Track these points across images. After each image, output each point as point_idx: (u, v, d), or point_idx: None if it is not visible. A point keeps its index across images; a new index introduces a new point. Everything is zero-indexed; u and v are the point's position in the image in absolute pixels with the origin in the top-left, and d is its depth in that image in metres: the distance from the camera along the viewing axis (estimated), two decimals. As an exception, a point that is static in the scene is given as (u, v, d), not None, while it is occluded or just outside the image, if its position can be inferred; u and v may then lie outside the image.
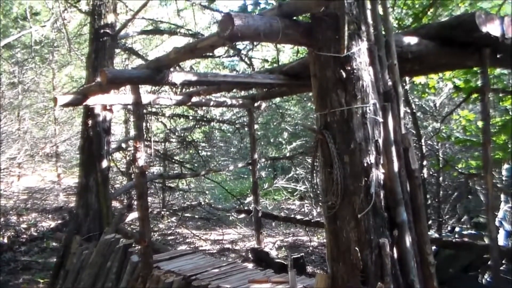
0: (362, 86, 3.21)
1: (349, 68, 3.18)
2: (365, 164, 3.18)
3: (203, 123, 12.55)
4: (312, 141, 14.41)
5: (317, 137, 3.29)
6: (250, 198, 13.80)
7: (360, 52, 3.23)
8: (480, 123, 10.18)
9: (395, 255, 3.31)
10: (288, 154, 14.27)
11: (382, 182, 3.29)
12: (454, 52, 4.51)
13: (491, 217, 4.65)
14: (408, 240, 3.34)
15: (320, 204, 3.34)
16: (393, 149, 3.38)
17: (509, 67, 5.38)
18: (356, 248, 3.14)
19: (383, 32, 3.75)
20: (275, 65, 11.10)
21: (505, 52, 4.80)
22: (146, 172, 5.46)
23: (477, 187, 9.42)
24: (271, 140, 16.24)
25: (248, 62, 11.15)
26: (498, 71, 8.51)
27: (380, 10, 3.78)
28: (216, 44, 3.87)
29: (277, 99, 13.54)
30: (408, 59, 4.02)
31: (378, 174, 3.24)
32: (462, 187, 9.98)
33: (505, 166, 8.95)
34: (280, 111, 14.38)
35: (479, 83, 7.93)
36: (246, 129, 13.39)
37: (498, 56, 4.77)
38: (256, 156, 9.00)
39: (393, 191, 3.35)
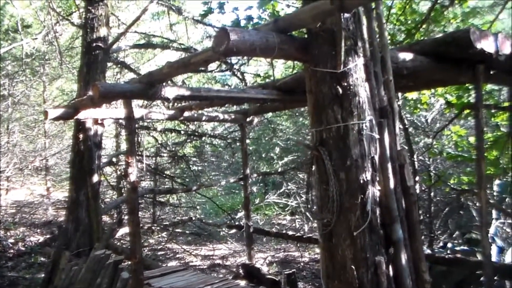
0: (358, 102, 3.19)
1: (345, 84, 3.15)
2: (362, 181, 3.14)
3: (194, 138, 12.50)
4: (304, 157, 14.40)
5: (312, 153, 3.25)
6: (241, 213, 13.73)
7: (357, 68, 3.21)
8: (472, 139, 10.26)
9: (391, 273, 3.27)
10: (279, 169, 14.21)
11: (378, 199, 3.25)
12: (448, 68, 4.51)
13: (485, 233, 4.63)
14: (404, 257, 3.30)
15: (315, 221, 3.28)
16: (389, 165, 3.36)
17: (502, 84, 5.39)
18: (352, 266, 3.09)
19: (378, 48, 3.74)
20: (267, 80, 11.12)
21: (498, 68, 4.82)
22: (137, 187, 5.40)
23: (469, 203, 9.41)
24: (263, 155, 16.21)
25: (241, 77, 11.14)
26: (489, 87, 8.57)
27: (375, 25, 3.78)
28: (210, 59, 3.84)
29: (269, 114, 13.52)
30: (403, 75, 4.01)
31: (374, 191, 3.21)
32: (453, 203, 9.97)
33: (497, 182, 8.97)
34: (272, 126, 14.36)
35: (471, 99, 7.99)
36: (237, 144, 13.37)
37: (491, 72, 4.78)
38: (248, 171, 8.95)
39: (389, 208, 3.32)
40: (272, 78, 11.75)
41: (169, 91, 4.92)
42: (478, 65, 4.56)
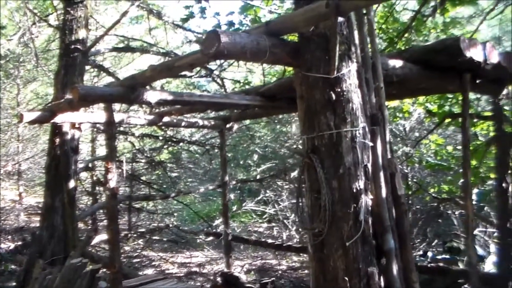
0: (351, 109, 3.11)
1: (338, 90, 3.07)
2: (354, 190, 3.06)
3: (172, 144, 12.33)
4: (282, 164, 14.32)
5: (303, 161, 3.15)
6: (218, 221, 13.56)
7: (350, 73, 3.13)
8: (450, 148, 10.32)
9: (382, 283, 3.19)
10: (258, 177, 14.11)
11: (370, 208, 3.18)
12: (436, 77, 4.49)
13: (471, 243, 4.60)
14: (395, 268, 3.23)
15: (305, 231, 3.18)
16: (381, 174, 3.28)
17: (487, 93, 5.39)
18: (345, 277, 3.00)
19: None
20: (247, 86, 11.03)
21: (484, 77, 4.81)
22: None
23: (448, 212, 9.44)
24: (241, 162, 16.08)
25: (220, 83, 11.04)
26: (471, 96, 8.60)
27: (366, 31, 3.72)
28: (197, 62, 3.73)
29: (247, 121, 13.44)
30: (393, 82, 3.96)
31: (367, 200, 3.13)
32: (431, 211, 9.99)
33: (475, 190, 9.01)
34: (250, 133, 14.26)
35: (453, 108, 8.02)
36: (215, 150, 13.21)
37: (477, 81, 4.77)
38: (227, 178, 8.84)
39: (381, 218, 3.24)
40: (251, 84, 11.73)
41: (151, 95, 4.80)
42: (465, 74, 4.55)
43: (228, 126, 8.54)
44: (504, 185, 5.36)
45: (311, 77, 3.12)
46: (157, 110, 7.56)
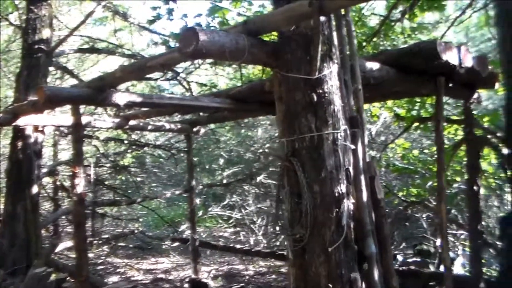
0: (333, 111, 3.03)
1: (320, 91, 2.98)
2: (336, 194, 2.97)
3: (137, 148, 12.08)
4: (248, 169, 14.17)
5: (283, 164, 3.05)
6: (184, 226, 13.34)
7: (332, 74, 3.05)
8: (415, 152, 10.41)
9: (363, 290, 3.12)
10: (224, 181, 13.96)
11: (351, 212, 3.10)
12: (411, 80, 4.48)
13: (446, 245, 4.60)
14: (376, 273, 3.17)
15: (286, 236, 3.08)
16: (362, 177, 3.22)
17: (459, 97, 5.42)
18: (330, 284, 2.90)
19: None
20: (213, 89, 10.91)
21: (457, 81, 4.83)
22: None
23: (416, 215, 9.50)
24: (206, 167, 15.90)
25: (187, 86, 10.88)
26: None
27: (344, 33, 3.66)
28: (172, 61, 3.60)
29: (212, 125, 13.30)
30: (369, 85, 3.91)
31: (349, 204, 3.05)
32: (398, 214, 10.04)
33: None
34: (216, 137, 14.13)
35: (421, 112, 8.08)
36: (181, 154, 13.01)
37: (450, 85, 4.78)
38: (193, 182, 8.71)
39: (362, 222, 3.18)
40: (217, 87, 11.60)
41: (120, 97, 4.63)
42: (439, 78, 4.55)
43: (195, 129, 8.42)
44: (475, 188, 5.40)
45: (291, 78, 3.02)
46: (121, 113, 7.39)
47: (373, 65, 3.96)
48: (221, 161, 15.37)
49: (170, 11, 8.12)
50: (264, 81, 5.29)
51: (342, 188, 3.00)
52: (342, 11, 3.64)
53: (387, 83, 4.25)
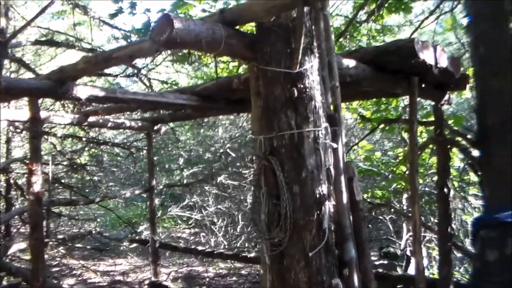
0: (314, 107, 2.85)
1: (301, 86, 2.80)
2: (318, 195, 2.80)
3: (95, 145, 11.68)
4: (207, 169, 13.91)
5: (260, 163, 2.86)
6: (142, 227, 13.01)
7: (313, 69, 2.88)
8: (378, 154, 10.41)
9: (343, 295, 2.96)
10: (185, 181, 13.69)
11: (332, 215, 2.94)
12: (386, 79, 4.37)
13: (419, 248, 4.52)
14: (356, 278, 3.02)
15: (262, 240, 2.89)
16: (342, 178, 3.06)
17: (430, 98, 5.36)
18: (310, 291, 2.73)
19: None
20: (174, 87, 10.65)
21: (430, 82, 4.76)
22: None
23: (380, 217, 9.50)
24: (166, 166, 15.59)
25: (148, 84, 10.58)
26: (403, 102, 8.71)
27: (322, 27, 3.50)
28: (141, 52, 3.35)
29: (170, 124, 13.03)
30: (345, 83, 3.77)
31: (330, 206, 2.89)
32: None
33: (406, 196, 9.12)
34: (176, 136, 13.86)
35: (386, 113, 8.04)
36: (140, 153, 12.68)
37: (423, 86, 4.70)
38: (154, 182, 8.46)
39: (342, 225, 3.02)
40: (178, 85, 11.33)
41: (82, 91, 4.37)
42: (413, 77, 4.47)
43: (156, 128, 8.19)
44: (445, 190, 5.35)
45: (270, 71, 2.83)
46: (80, 109, 7.10)
47: (350, 63, 3.83)
48: (181, 160, 15.08)
49: (133, 5, 7.83)
50: (232, 78, 5.11)
51: (323, 189, 2.83)
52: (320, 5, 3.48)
53: (362, 82, 4.13)
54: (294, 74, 2.78)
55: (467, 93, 7.79)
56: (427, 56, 4.03)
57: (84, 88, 4.41)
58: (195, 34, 2.52)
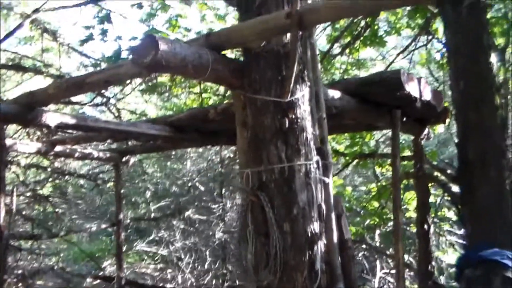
0: (305, 139, 2.67)
1: (292, 116, 2.62)
2: (309, 234, 2.59)
3: (60, 176, 11.24)
4: (174, 203, 13.56)
5: (247, 199, 2.64)
6: (106, 262, 12.51)
7: (304, 98, 2.71)
8: (349, 189, 10.28)
9: None
10: (152, 215, 13.28)
11: (323, 255, 2.72)
12: (369, 111, 4.25)
13: (402, 285, 4.34)
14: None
15: (249, 283, 2.65)
16: (333, 215, 2.86)
17: (410, 132, 5.27)
18: None
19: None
20: (143, 117, 10.40)
21: (411, 115, 4.66)
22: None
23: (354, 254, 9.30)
24: (132, 199, 15.11)
25: (116, 113, 10.30)
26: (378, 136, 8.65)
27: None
28: (117, 78, 3.13)
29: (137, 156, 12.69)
30: (331, 115, 3.61)
31: (321, 246, 2.68)
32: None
33: (378, 232, 9.00)
34: (143, 168, 13.54)
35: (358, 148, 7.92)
36: (106, 185, 12.29)
37: (404, 119, 4.60)
38: (121, 216, 8.13)
39: (332, 265, 2.81)
40: (147, 116, 11.07)
41: (51, 117, 4.09)
42: (396, 110, 4.36)
43: (124, 159, 7.90)
44: (425, 226, 5.21)
45: (259, 100, 2.64)
46: (46, 138, 6.81)
47: (335, 93, 3.68)
48: (148, 193, 14.67)
49: (104, 32, 7.63)
50: (208, 109, 4.93)
51: (315, 227, 2.63)
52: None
53: (346, 114, 4.00)
54: (285, 103, 2.60)
55: (439, 128, 7.77)
56: (412, 88, 3.93)
57: (53, 115, 4.14)
58: (181, 58, 2.34)
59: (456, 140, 4.97)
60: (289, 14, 2.31)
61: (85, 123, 4.49)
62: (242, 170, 2.73)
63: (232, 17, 9.87)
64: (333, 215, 2.86)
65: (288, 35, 2.59)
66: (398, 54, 7.71)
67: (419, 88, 4.10)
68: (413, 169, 5.31)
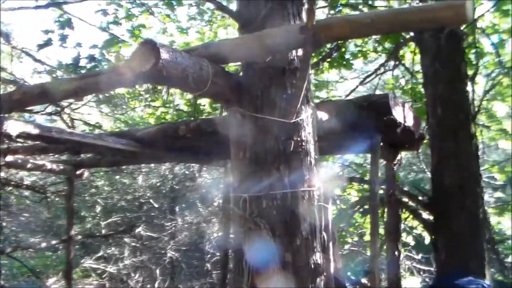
0: (309, 163, 2.48)
1: (297, 138, 2.43)
2: (312, 265, 2.39)
3: (4, 187, 10.62)
4: (125, 221, 13.12)
5: (245, 227, 2.41)
6: (52, 279, 11.89)
7: (308, 120, 2.53)
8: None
9: None
10: (103, 231, 12.76)
11: (323, 287, 2.53)
12: (351, 135, 4.12)
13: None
14: None
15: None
16: (331, 244, 2.68)
17: (383, 157, 5.18)
18: None
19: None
20: (98, 130, 9.99)
21: (389, 141, 4.58)
22: None
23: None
24: (81, 214, 14.47)
25: (70, 124, 9.83)
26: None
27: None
28: (95, 87, 2.83)
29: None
30: (320, 137, 3.44)
31: (324, 278, 2.48)
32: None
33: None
34: (93, 182, 13.06)
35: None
36: (56, 199, 11.72)
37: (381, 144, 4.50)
38: (73, 232, 7.69)
39: (329, 299, 2.61)
40: (102, 128, 10.65)
41: (13, 126, 3.77)
42: (376, 135, 4.25)
43: (78, 172, 7.51)
44: (396, 253, 5.12)
45: (261, 120, 2.44)
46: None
47: (323, 115, 3.53)
48: (98, 208, 14.11)
49: (63, 38, 7.26)
50: (178, 124, 4.70)
51: (318, 258, 2.43)
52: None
53: (331, 136, 3.85)
54: (289, 125, 2.41)
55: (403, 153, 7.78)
56: (398, 113, 3.84)
57: (16, 123, 3.81)
58: (182, 69, 2.13)
59: (423, 166, 4.95)
60: (303, 28, 2.13)
61: (49, 134, 4.15)
62: (237, 195, 2.50)
63: (194, 31, 9.71)
64: (331, 245, 2.68)
65: (294, 51, 2.42)
66: (365, 78, 7.68)
67: (404, 113, 4.02)
68: (385, 194, 5.21)
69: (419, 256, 8.28)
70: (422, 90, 7.63)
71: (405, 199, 5.62)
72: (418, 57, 7.01)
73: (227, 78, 2.47)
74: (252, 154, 2.48)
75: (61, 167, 7.26)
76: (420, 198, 5.47)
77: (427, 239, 7.58)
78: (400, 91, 7.98)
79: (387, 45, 7.27)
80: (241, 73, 2.65)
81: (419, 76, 7.21)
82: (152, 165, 13.19)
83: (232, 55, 2.41)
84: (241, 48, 2.38)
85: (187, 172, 12.90)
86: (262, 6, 2.49)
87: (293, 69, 2.45)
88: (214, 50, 2.42)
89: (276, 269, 2.32)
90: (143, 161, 7.12)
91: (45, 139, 4.25)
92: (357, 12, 6.80)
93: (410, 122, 4.16)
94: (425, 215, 5.40)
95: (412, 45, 6.77)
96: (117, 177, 14.68)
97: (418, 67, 7.01)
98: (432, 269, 7.61)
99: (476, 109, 5.36)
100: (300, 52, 2.50)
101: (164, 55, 2.02)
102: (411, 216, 5.71)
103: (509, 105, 7.43)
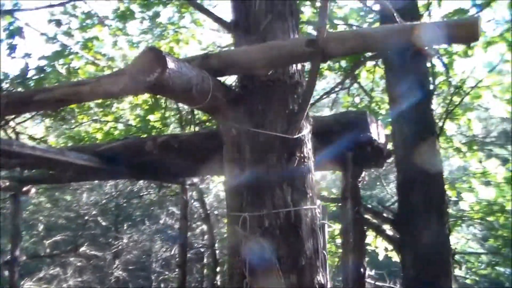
0: (311, 181, 2.40)
1: (300, 155, 2.35)
2: (317, 286, 2.30)
3: None
4: (71, 240, 12.60)
5: (246, 246, 2.29)
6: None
7: (309, 136, 2.46)
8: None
9: None
10: (47, 250, 12.19)
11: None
12: (324, 151, 4.07)
13: None
14: None
15: None
16: (327, 264, 2.61)
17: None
18: None
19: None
20: (43, 144, 9.56)
21: (357, 158, 4.58)
22: None
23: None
24: (23, 233, 13.76)
25: (14, 137, 9.38)
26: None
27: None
28: (78, 97, 2.66)
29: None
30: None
31: (327, 299, 2.41)
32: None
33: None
34: (37, 199, 12.50)
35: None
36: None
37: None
38: (18, 252, 7.27)
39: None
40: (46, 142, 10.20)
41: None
42: (348, 152, 4.24)
43: (24, 189, 7.13)
44: (361, 270, 5.11)
45: (263, 135, 2.34)
46: None
47: (304, 132, 3.48)
48: (40, 227, 13.48)
49: (12, 47, 6.89)
50: (145, 140, 4.55)
51: (321, 278, 2.35)
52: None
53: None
54: (292, 141, 2.33)
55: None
56: (373, 131, 3.84)
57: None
58: (187, 79, 2.02)
59: (384, 183, 4.99)
60: (311, 42, 2.07)
61: (10, 148, 3.89)
62: (236, 214, 2.38)
63: (145, 43, 9.50)
64: (327, 264, 2.61)
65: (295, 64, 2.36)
66: (322, 96, 7.71)
67: (377, 131, 4.03)
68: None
69: (373, 272, 8.31)
70: (376, 108, 7.86)
71: (368, 217, 5.65)
72: (377, 76, 7.19)
73: (227, 91, 2.38)
74: (251, 172, 2.37)
75: (7, 183, 6.87)
76: (385, 215, 5.50)
77: (381, 255, 7.66)
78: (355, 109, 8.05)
79: (344, 63, 7.33)
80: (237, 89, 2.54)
81: (374, 94, 7.37)
82: (96, 181, 12.75)
83: (233, 66, 2.31)
84: (243, 59, 2.29)
85: (134, 189, 12.55)
86: (262, 18, 2.41)
87: (294, 83, 2.38)
88: (213, 61, 2.32)
89: (275, 271, 2.22)
90: (99, 178, 6.84)
91: (5, 154, 3.97)
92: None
93: (382, 139, 4.17)
94: (389, 231, 5.44)
95: (370, 63, 6.90)
96: (57, 193, 14.12)
97: (375, 86, 7.13)
98: (386, 285, 7.67)
99: (440, 127, 5.44)
100: (300, 66, 2.45)
101: (171, 64, 1.91)
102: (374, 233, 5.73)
103: (458, 124, 7.61)
